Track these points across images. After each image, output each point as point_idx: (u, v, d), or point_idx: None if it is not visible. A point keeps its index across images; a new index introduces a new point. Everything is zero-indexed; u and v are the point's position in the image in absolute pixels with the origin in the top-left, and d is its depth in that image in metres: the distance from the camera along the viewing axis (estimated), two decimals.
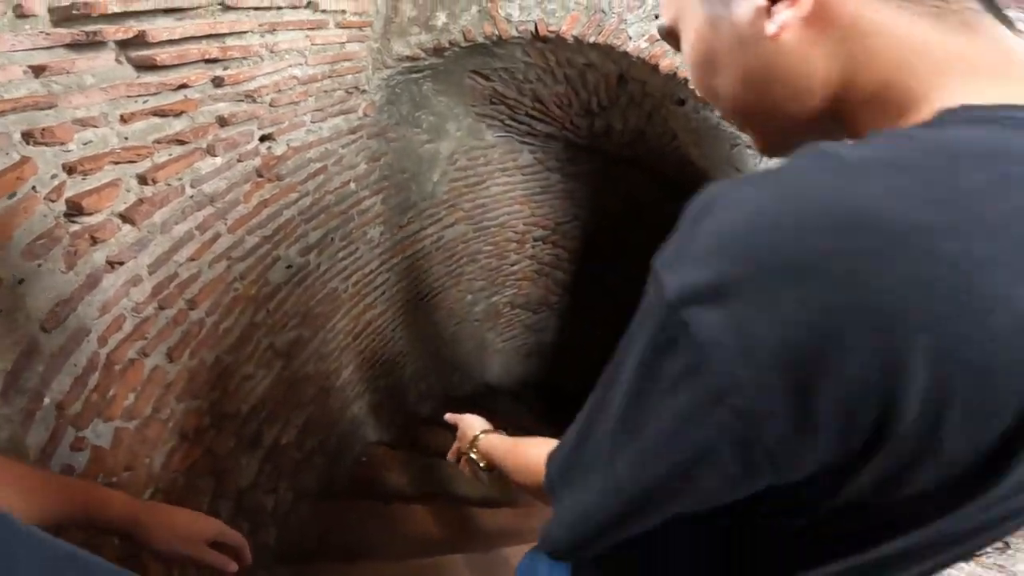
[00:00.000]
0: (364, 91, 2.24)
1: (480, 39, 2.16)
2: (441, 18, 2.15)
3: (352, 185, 2.44)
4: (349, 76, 2.12)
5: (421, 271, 3.31)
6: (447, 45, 2.19)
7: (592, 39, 2.01)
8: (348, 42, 2.04)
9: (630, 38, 1.95)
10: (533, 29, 2.06)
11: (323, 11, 1.85)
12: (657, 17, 1.73)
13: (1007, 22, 0.39)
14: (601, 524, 0.42)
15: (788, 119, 0.45)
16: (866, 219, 0.29)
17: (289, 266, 2.13)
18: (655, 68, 1.95)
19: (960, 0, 0.38)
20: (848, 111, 0.42)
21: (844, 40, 0.40)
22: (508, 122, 3.08)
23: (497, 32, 2.11)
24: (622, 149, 3.15)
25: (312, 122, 2.03)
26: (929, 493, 0.35)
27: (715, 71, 0.47)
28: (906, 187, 0.30)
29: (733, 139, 1.98)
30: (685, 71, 1.90)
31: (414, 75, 2.43)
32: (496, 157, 3.36)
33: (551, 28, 2.07)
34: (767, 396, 0.31)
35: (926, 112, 0.36)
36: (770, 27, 0.41)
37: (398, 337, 3.33)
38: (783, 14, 0.40)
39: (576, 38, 2.05)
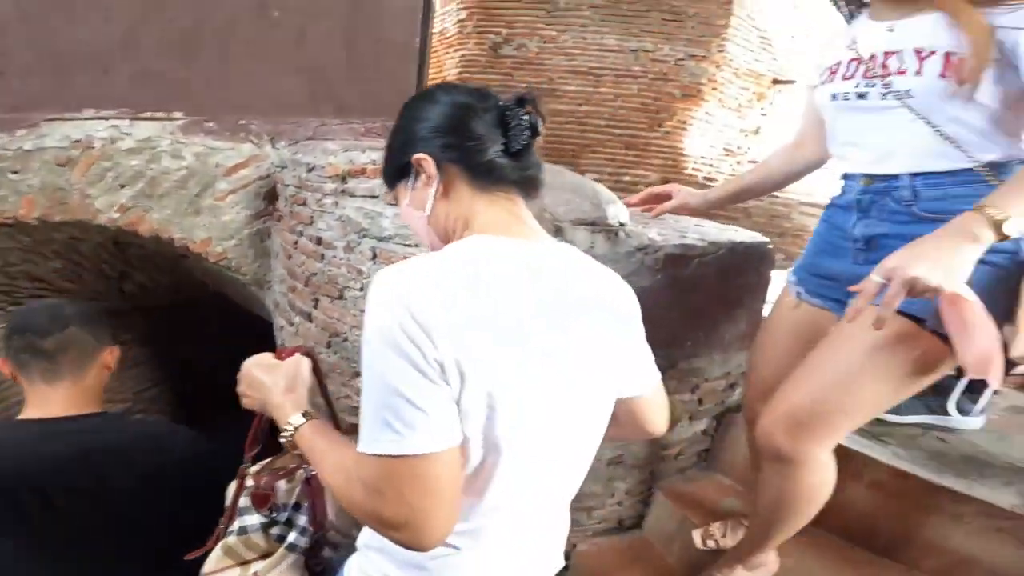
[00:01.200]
0: None
1: None
2: None
3: None
4: None
5: None
6: None
7: (59, 218, 1.94)
8: None
9: (99, 211, 1.94)
10: None
11: None
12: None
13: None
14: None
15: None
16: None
17: None
18: (137, 233, 1.98)
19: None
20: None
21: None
22: (11, 308, 2.65)
23: None
24: (172, 299, 3.05)
25: None
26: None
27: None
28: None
29: (238, 281, 2.14)
30: (170, 231, 1.99)
31: None
32: None
33: (7, 215, 1.91)
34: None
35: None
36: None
37: None
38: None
39: (41, 220, 1.94)
